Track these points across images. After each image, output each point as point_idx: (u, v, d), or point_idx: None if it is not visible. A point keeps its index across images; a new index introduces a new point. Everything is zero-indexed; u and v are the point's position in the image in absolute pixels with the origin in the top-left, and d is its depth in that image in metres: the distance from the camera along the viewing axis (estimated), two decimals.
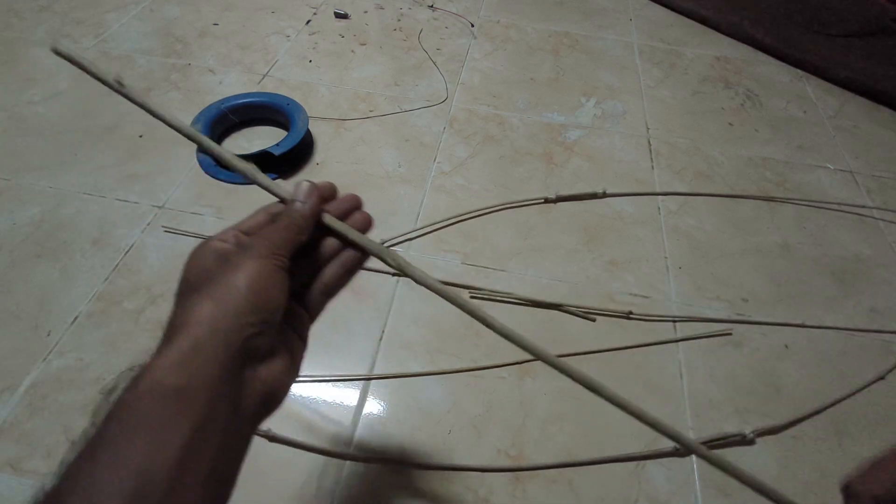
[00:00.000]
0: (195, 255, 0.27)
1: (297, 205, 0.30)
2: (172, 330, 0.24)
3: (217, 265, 0.26)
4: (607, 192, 0.79)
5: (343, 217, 0.32)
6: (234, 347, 0.24)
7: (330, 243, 0.32)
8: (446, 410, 0.56)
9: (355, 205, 0.34)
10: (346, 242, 0.32)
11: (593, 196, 0.79)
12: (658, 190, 0.82)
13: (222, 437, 0.23)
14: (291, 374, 0.28)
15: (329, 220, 0.31)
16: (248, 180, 0.32)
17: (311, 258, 0.31)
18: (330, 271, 0.32)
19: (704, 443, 0.54)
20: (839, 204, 0.82)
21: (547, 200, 0.77)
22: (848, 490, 0.27)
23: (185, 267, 0.27)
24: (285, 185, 0.32)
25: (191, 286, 0.26)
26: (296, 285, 0.30)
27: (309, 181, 0.31)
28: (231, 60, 0.98)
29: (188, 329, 0.24)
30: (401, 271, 0.33)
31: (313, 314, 0.32)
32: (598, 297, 0.68)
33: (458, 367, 0.60)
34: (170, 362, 0.23)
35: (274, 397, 0.27)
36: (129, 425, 0.21)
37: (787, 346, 0.65)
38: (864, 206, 0.82)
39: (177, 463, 0.21)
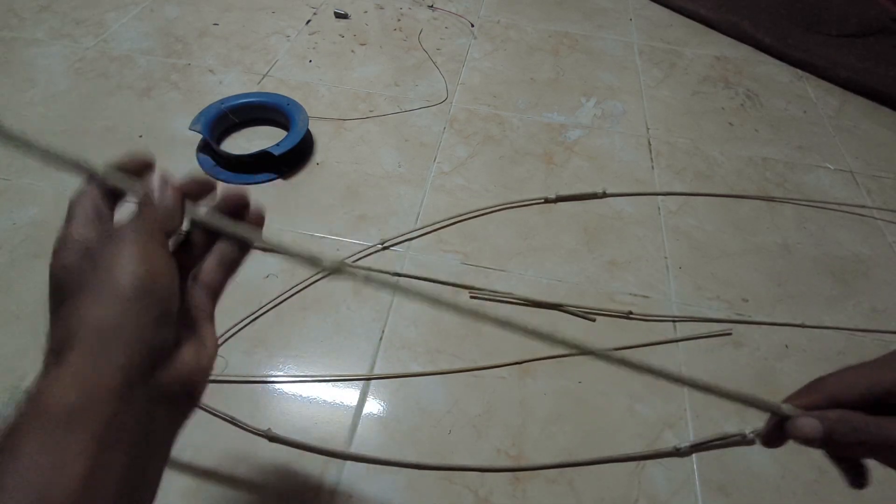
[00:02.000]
0: (57, 257, 0.24)
1: (158, 196, 0.28)
2: (58, 344, 0.22)
3: (88, 262, 0.23)
4: (607, 191, 0.79)
5: (231, 214, 0.30)
6: (135, 349, 0.22)
7: (199, 237, 0.29)
8: (446, 410, 0.56)
9: (240, 202, 0.31)
10: (224, 234, 0.30)
11: (593, 196, 0.79)
12: (658, 190, 0.82)
13: (135, 448, 0.22)
14: (205, 357, 0.26)
15: (196, 213, 0.29)
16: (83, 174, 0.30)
17: (188, 252, 0.29)
18: (207, 265, 0.29)
19: (702, 443, 0.54)
20: (839, 204, 0.82)
21: (547, 200, 0.77)
22: (816, 385, 0.28)
23: (50, 273, 0.24)
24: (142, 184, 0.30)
25: (64, 292, 0.23)
26: (184, 275, 0.28)
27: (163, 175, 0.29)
28: (231, 60, 0.98)
29: (77, 341, 0.21)
30: (274, 250, 0.30)
31: (214, 289, 0.29)
32: (598, 297, 0.68)
33: (458, 367, 0.60)
34: (63, 381, 0.21)
35: (193, 388, 0.25)
36: (24, 453, 0.20)
37: (787, 346, 0.65)
38: (864, 206, 0.82)
39: (80, 486, 0.20)
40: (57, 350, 0.22)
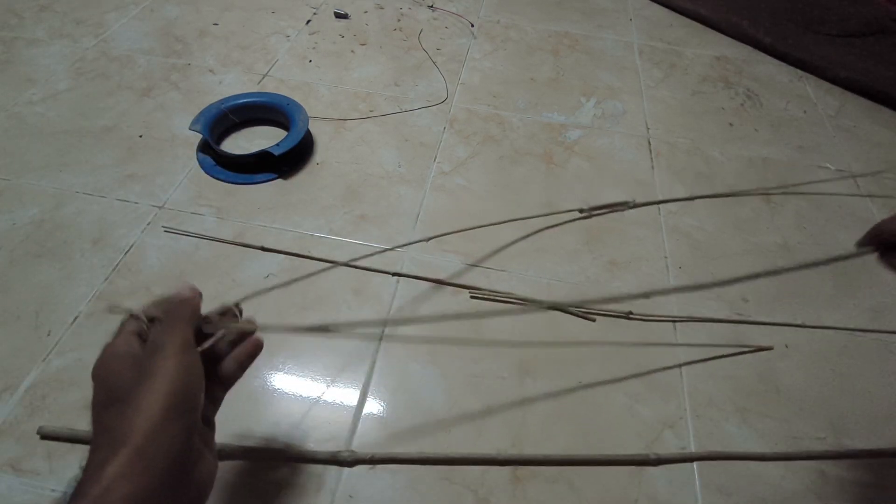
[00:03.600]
0: (105, 365, 0.28)
1: (180, 296, 0.31)
2: (110, 442, 0.24)
3: (133, 371, 0.27)
4: (637, 202, 0.78)
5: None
6: (176, 451, 0.25)
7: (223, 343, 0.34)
8: (446, 410, 0.56)
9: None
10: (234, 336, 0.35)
11: (624, 205, 0.78)
12: (658, 191, 0.82)
13: None
14: (215, 466, 0.29)
15: (207, 322, 0.33)
16: None
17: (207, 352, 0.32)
18: (227, 364, 0.34)
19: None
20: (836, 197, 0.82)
21: (581, 212, 0.76)
22: (878, 228, 0.32)
23: (96, 377, 0.27)
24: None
25: (112, 397, 0.26)
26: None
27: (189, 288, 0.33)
28: (231, 60, 0.98)
29: (129, 439, 0.24)
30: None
31: (216, 404, 0.34)
32: (598, 297, 0.68)
33: (458, 366, 0.60)
34: (116, 472, 0.23)
35: (206, 494, 0.28)
36: None
37: (787, 346, 0.65)
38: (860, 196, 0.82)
39: None
40: (110, 445, 0.24)
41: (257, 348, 0.36)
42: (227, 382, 0.35)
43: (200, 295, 0.33)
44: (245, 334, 0.35)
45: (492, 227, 0.74)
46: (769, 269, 0.73)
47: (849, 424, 0.58)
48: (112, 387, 0.26)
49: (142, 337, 0.30)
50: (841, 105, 1.02)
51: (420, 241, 0.72)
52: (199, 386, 0.28)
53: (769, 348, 0.64)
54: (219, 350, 0.34)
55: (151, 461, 0.24)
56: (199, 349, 0.30)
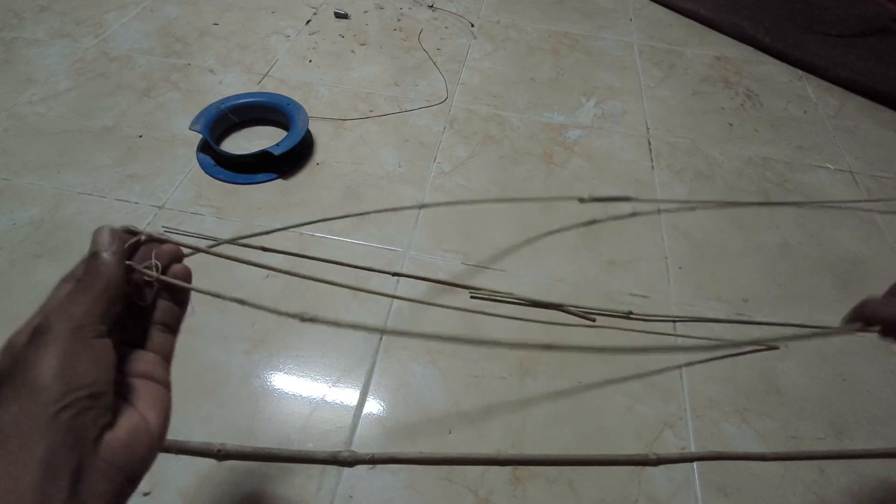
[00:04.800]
0: (4, 350, 0.25)
1: (101, 256, 0.27)
2: None
3: (10, 363, 0.24)
4: (637, 197, 0.78)
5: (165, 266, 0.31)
6: (51, 438, 0.22)
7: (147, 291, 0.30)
8: (446, 410, 0.56)
9: (173, 258, 0.31)
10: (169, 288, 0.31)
11: (626, 199, 0.77)
12: (658, 191, 0.82)
13: None
14: (145, 435, 0.25)
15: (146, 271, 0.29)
16: None
17: (135, 307, 0.29)
18: (162, 307, 0.30)
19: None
20: (839, 202, 0.82)
21: (581, 201, 0.76)
22: (861, 309, 0.30)
23: None
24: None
25: None
26: (132, 336, 0.29)
27: (110, 228, 0.28)
28: (231, 60, 0.98)
29: None
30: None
31: (164, 354, 0.30)
32: (598, 296, 0.68)
33: (458, 367, 0.60)
34: None
35: (130, 470, 0.24)
36: None
37: (787, 346, 0.65)
38: (862, 201, 0.82)
39: None
40: None
41: (182, 310, 0.31)
42: (162, 356, 0.30)
43: (135, 244, 0.30)
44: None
45: (491, 226, 0.74)
46: (769, 269, 0.73)
47: (849, 424, 0.58)
48: None
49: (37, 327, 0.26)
50: (841, 105, 1.02)
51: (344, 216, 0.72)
52: (89, 368, 0.24)
53: (776, 347, 0.64)
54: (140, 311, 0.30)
55: (20, 459, 0.21)
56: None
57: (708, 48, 1.14)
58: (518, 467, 0.53)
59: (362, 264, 0.68)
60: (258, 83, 0.94)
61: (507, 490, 0.51)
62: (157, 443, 0.26)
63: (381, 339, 0.62)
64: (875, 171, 0.89)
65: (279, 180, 0.78)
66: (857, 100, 1.04)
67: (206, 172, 0.78)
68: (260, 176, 0.78)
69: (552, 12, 1.19)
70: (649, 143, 0.90)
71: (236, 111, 0.84)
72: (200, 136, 0.80)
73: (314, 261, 0.69)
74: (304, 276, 0.30)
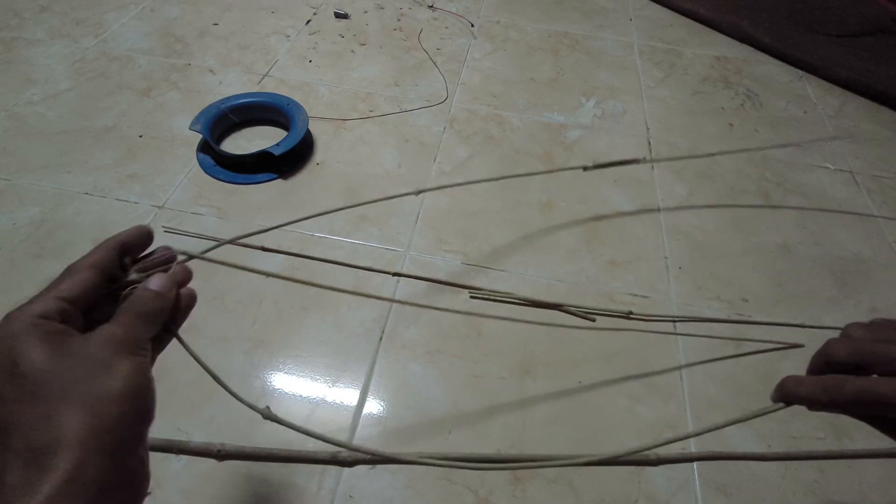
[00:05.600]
0: (7, 338, 0.22)
1: (75, 264, 0.26)
2: (35, 450, 0.20)
3: (66, 366, 0.21)
4: (647, 158, 0.75)
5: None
6: (118, 471, 0.21)
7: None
8: (446, 411, 0.56)
9: (186, 279, 0.32)
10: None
11: (634, 161, 0.76)
12: (658, 191, 0.82)
13: None
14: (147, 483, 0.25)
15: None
16: None
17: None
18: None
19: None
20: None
21: (585, 169, 0.75)
22: (780, 388, 0.29)
23: (14, 352, 0.22)
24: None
25: (30, 383, 0.21)
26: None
27: (161, 273, 0.28)
28: (231, 60, 0.98)
29: (62, 451, 0.20)
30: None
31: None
32: (598, 297, 0.68)
33: (458, 366, 0.60)
34: (54, 487, 0.19)
35: (139, 494, 0.24)
36: None
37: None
38: (869, 215, 0.82)
39: None
40: (35, 458, 0.20)
41: (192, 303, 0.31)
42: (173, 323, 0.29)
43: (184, 280, 0.30)
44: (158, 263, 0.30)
45: (491, 226, 0.74)
46: (769, 269, 0.73)
47: (849, 424, 0.58)
48: (27, 370, 0.21)
49: (65, 315, 0.24)
50: (841, 105, 1.02)
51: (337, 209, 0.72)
52: (153, 398, 0.24)
53: (800, 345, 0.63)
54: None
55: (91, 484, 0.20)
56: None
57: (708, 48, 1.14)
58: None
59: (362, 264, 0.69)
60: (258, 83, 0.94)
61: (507, 490, 0.51)
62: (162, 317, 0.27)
63: (381, 339, 0.62)
64: (875, 171, 0.89)
65: (279, 180, 0.78)
66: (857, 100, 1.04)
67: (206, 172, 0.78)
68: (260, 176, 0.78)
69: (552, 12, 1.19)
70: (649, 143, 0.90)
71: (236, 111, 0.84)
72: (200, 136, 0.80)
73: (315, 261, 0.69)
74: (302, 281, 0.29)
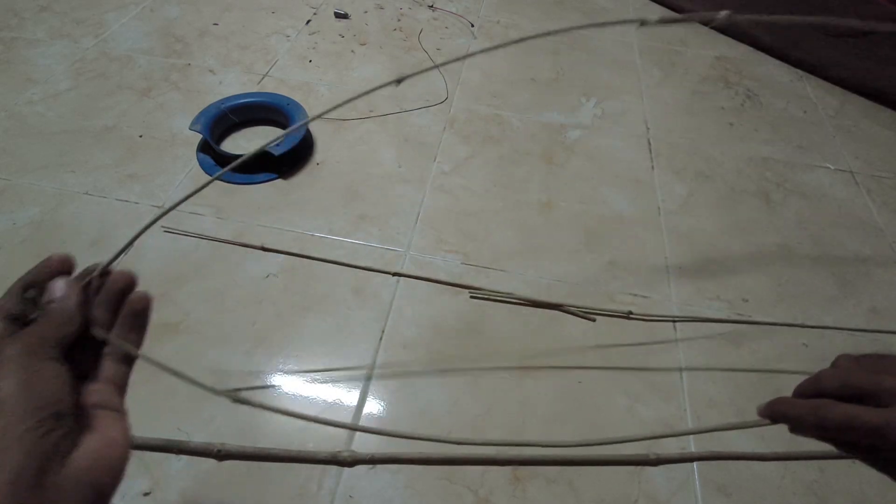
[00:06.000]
0: None
1: (55, 304, 0.27)
2: None
3: None
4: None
5: (120, 294, 0.31)
6: (18, 461, 0.22)
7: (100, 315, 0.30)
8: (446, 411, 0.56)
9: (128, 285, 0.31)
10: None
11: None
12: (658, 191, 0.82)
13: None
14: (114, 451, 0.26)
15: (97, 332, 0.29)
16: None
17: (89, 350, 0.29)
18: (105, 362, 0.30)
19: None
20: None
21: (642, 23, 0.72)
22: (771, 406, 0.30)
23: None
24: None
25: None
26: (85, 365, 0.29)
27: (64, 280, 0.29)
28: (231, 60, 0.98)
29: None
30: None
31: (118, 384, 0.29)
32: (598, 297, 0.68)
33: (458, 366, 0.60)
34: None
35: (100, 485, 0.25)
36: None
37: (787, 346, 0.65)
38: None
39: None
40: None
41: (145, 305, 0.31)
42: (115, 386, 0.30)
43: (87, 282, 0.29)
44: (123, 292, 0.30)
45: (491, 226, 0.74)
46: (769, 269, 0.73)
47: None
48: None
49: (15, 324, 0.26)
50: (841, 105, 1.02)
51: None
52: (54, 386, 0.24)
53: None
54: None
55: None
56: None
57: (708, 48, 1.14)
58: (518, 467, 0.53)
59: (362, 264, 0.69)
60: (258, 83, 0.94)
61: (507, 490, 0.51)
62: (124, 460, 0.26)
63: (381, 339, 0.62)
64: (875, 171, 0.89)
65: (279, 180, 0.78)
66: (857, 100, 1.04)
67: (206, 172, 0.78)
68: (260, 176, 0.78)
69: (552, 12, 1.19)
70: (649, 143, 0.90)
71: (236, 111, 0.84)
72: (200, 135, 0.80)
73: (315, 261, 0.69)
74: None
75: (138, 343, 0.31)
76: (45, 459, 0.23)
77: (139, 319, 0.31)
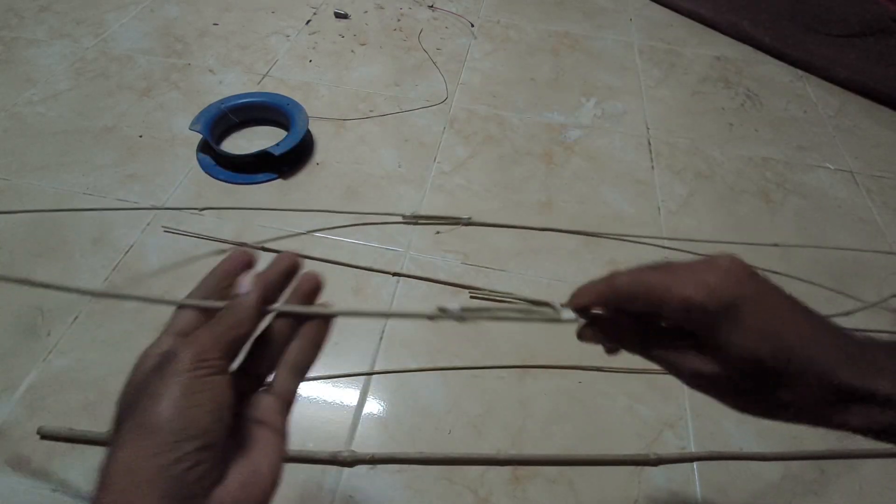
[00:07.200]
0: (134, 371, 0.24)
1: (240, 297, 0.26)
2: (101, 477, 0.21)
3: (135, 392, 0.23)
4: (472, 219, 0.68)
5: (286, 282, 0.29)
6: (158, 492, 0.21)
7: (281, 322, 0.28)
8: (446, 411, 0.56)
9: (291, 268, 0.30)
10: (305, 317, 0.29)
11: (456, 221, 0.71)
12: (658, 191, 0.82)
13: None
14: (257, 487, 0.24)
15: (278, 308, 0.28)
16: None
17: (267, 340, 0.28)
18: (295, 349, 0.29)
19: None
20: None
21: (405, 219, 0.72)
22: (575, 297, 0.30)
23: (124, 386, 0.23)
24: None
25: (121, 414, 0.23)
26: (258, 372, 0.27)
27: (253, 274, 0.27)
28: (231, 60, 0.98)
29: (110, 482, 0.21)
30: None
31: (285, 399, 0.28)
32: None
33: (458, 366, 0.60)
34: None
35: None
36: None
37: None
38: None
39: None
40: (98, 488, 0.21)
41: (323, 333, 0.30)
42: (300, 371, 0.29)
43: (278, 281, 0.28)
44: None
45: (490, 226, 0.74)
46: (769, 269, 0.73)
47: None
48: (125, 400, 0.23)
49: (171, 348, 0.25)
50: (841, 105, 1.02)
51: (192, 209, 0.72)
52: (207, 412, 0.23)
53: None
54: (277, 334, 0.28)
55: None
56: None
57: (708, 48, 1.14)
58: (518, 467, 0.53)
59: (363, 264, 0.69)
60: (258, 83, 0.94)
61: (507, 490, 0.51)
62: (270, 496, 0.25)
63: (381, 339, 0.62)
64: (875, 171, 0.89)
65: (279, 180, 0.78)
66: (857, 100, 1.04)
67: (206, 172, 0.78)
68: (260, 176, 0.78)
69: (552, 12, 1.19)
70: (649, 143, 0.90)
71: (236, 111, 0.84)
72: (200, 136, 0.80)
73: (315, 261, 0.69)
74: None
75: (312, 359, 0.29)
76: (184, 499, 0.21)
77: (320, 336, 0.30)
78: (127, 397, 0.23)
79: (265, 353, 0.28)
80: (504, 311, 0.29)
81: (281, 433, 0.27)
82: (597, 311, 0.29)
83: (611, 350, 0.32)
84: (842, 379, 0.25)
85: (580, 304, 0.29)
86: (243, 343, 0.25)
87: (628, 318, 0.29)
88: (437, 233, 0.73)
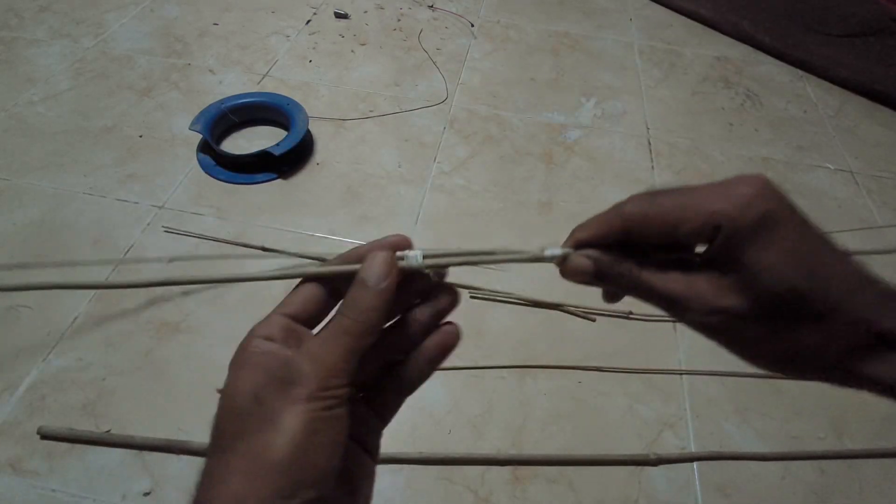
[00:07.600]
0: (240, 357, 0.20)
1: (369, 286, 0.22)
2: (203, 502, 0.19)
3: (255, 408, 0.19)
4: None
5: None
6: None
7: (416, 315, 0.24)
8: (446, 410, 0.56)
9: (448, 308, 0.26)
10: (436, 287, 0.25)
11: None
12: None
13: None
14: None
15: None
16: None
17: (391, 339, 0.24)
18: (414, 362, 0.24)
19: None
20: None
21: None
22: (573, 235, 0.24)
23: (225, 385, 0.20)
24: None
25: (222, 431, 0.20)
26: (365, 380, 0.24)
27: (380, 248, 0.23)
28: (231, 60, 0.98)
29: None
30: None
31: (387, 418, 0.24)
32: (597, 296, 0.68)
33: (458, 366, 0.60)
34: None
35: None
36: None
37: None
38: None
39: None
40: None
41: (452, 340, 0.25)
42: (410, 387, 0.25)
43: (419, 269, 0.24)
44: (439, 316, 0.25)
45: (491, 227, 0.74)
46: None
47: (849, 424, 0.58)
48: (224, 415, 0.20)
49: (289, 333, 0.21)
50: (841, 105, 1.02)
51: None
52: (327, 458, 0.20)
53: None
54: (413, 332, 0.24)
55: None
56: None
57: (708, 48, 1.14)
58: (518, 467, 0.53)
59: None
60: (258, 83, 0.94)
61: (507, 490, 0.51)
62: None
63: None
64: (875, 171, 0.89)
65: (279, 180, 0.78)
66: (857, 100, 1.04)
67: (206, 172, 0.78)
68: (260, 176, 0.78)
69: (552, 12, 1.19)
70: (649, 143, 0.90)
71: (236, 111, 0.84)
72: (200, 136, 0.80)
73: (315, 261, 0.69)
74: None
75: (424, 377, 0.25)
76: None
77: (441, 356, 0.25)
78: (238, 399, 0.20)
79: (372, 365, 0.24)
80: (477, 256, 0.24)
81: (376, 459, 0.23)
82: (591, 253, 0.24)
83: (607, 291, 0.26)
84: (883, 321, 0.20)
85: (582, 238, 0.23)
86: (365, 351, 0.21)
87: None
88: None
